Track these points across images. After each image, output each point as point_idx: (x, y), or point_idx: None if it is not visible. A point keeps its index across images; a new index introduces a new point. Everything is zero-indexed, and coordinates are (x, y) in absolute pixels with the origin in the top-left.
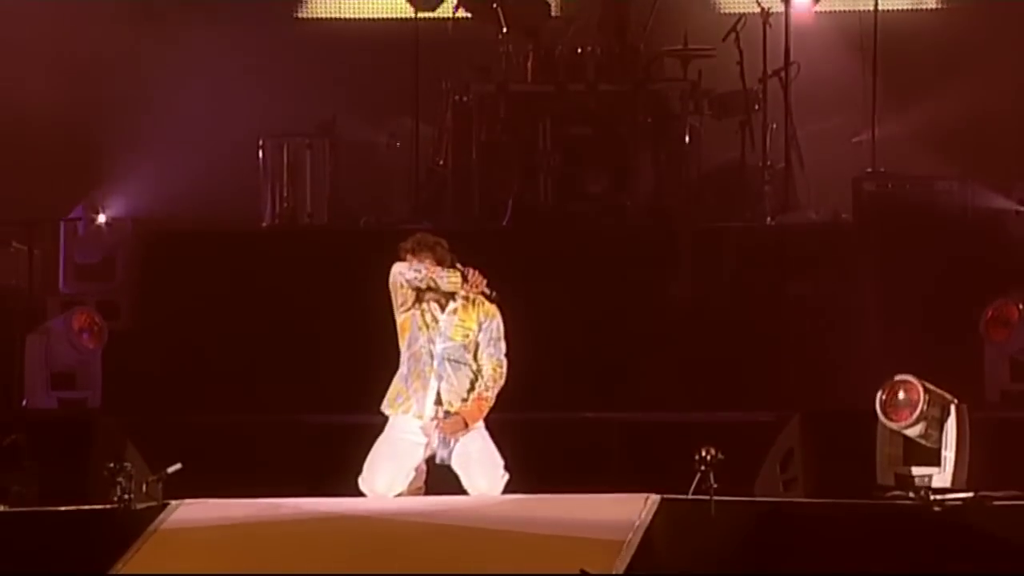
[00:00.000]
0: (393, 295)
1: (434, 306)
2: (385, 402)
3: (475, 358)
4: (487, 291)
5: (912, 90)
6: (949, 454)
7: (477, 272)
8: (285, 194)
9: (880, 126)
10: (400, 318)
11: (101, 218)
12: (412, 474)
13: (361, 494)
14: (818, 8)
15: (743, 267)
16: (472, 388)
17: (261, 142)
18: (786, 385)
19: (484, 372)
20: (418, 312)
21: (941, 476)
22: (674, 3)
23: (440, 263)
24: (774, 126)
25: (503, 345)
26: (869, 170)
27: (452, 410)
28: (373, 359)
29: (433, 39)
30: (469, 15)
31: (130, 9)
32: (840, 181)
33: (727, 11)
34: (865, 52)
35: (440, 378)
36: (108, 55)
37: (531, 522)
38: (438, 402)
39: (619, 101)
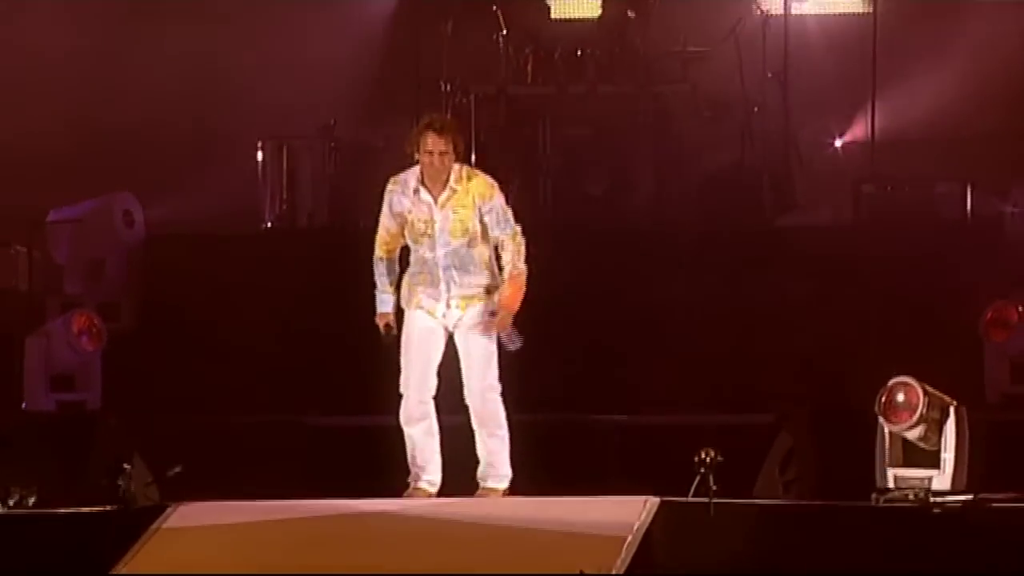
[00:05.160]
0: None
1: (424, 206)
2: (401, 300)
3: (483, 240)
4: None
5: (910, 91)
6: (949, 456)
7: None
8: (285, 196)
9: (879, 128)
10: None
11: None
12: (438, 358)
13: (364, 494)
14: (817, 10)
15: (742, 269)
16: (484, 279)
17: (260, 144)
18: (785, 387)
19: (507, 249)
20: (408, 222)
21: (940, 478)
22: (673, 5)
23: (457, 153)
24: (773, 128)
25: (511, 215)
26: (868, 172)
27: (467, 300)
28: (374, 360)
29: (433, 41)
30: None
31: (127, 7)
32: (839, 183)
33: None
34: (864, 53)
35: (448, 284)
36: (108, 56)
37: (531, 523)
38: (448, 305)
39: (619, 103)
